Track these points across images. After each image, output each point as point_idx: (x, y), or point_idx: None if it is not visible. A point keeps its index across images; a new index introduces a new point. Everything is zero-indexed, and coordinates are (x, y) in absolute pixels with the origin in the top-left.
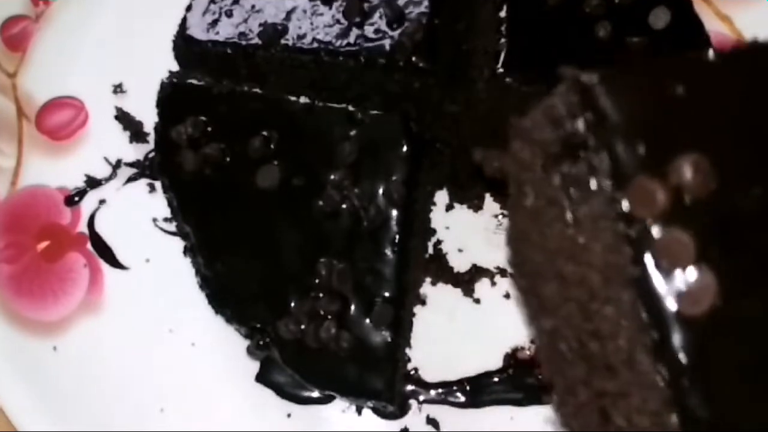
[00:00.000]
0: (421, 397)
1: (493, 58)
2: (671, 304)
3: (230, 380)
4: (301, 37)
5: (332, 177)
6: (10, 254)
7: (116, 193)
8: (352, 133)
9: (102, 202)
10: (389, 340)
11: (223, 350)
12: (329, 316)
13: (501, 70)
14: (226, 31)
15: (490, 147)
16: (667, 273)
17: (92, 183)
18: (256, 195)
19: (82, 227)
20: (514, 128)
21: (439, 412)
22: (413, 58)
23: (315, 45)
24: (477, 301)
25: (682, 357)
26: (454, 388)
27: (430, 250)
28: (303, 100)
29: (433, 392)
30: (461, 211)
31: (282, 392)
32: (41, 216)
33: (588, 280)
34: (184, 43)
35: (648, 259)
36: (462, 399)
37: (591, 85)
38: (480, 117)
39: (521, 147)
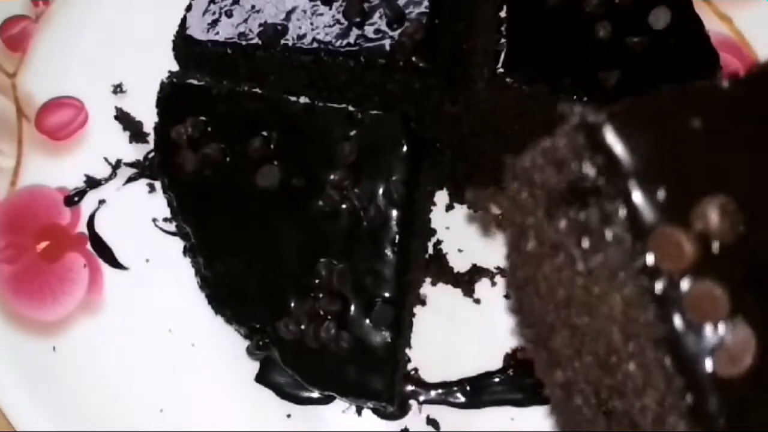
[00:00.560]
0: (421, 398)
1: (493, 58)
2: (706, 365)
3: (230, 380)
4: (301, 37)
5: (332, 177)
6: (9, 254)
7: (116, 193)
8: (352, 133)
9: (102, 202)
10: (389, 340)
11: (223, 350)
12: (329, 317)
13: (501, 70)
14: (225, 31)
15: (482, 184)
16: (698, 330)
17: (92, 183)
18: (256, 195)
19: (82, 227)
20: (510, 168)
21: (439, 412)
22: (413, 58)
23: (315, 45)
24: (477, 301)
25: (722, 423)
26: (454, 388)
27: (430, 250)
28: (303, 100)
29: (433, 392)
30: (461, 211)
31: (282, 392)
32: (41, 216)
33: (606, 333)
34: (184, 43)
35: (677, 316)
36: (462, 399)
37: (598, 125)
38: (480, 117)
39: (519, 189)
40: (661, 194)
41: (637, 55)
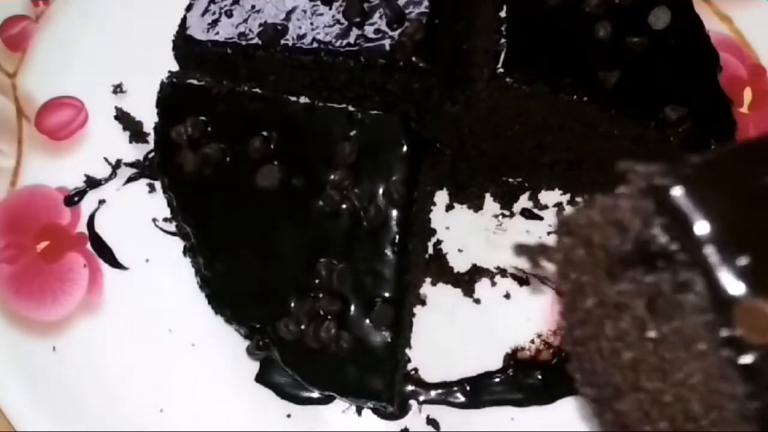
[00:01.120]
0: (421, 398)
1: (493, 58)
2: None
3: (230, 380)
4: (301, 37)
5: (332, 177)
6: (9, 254)
7: (116, 193)
8: (352, 133)
9: (102, 202)
10: (389, 340)
11: (223, 350)
12: (329, 317)
13: (501, 70)
14: (225, 31)
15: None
16: None
17: (92, 183)
18: (256, 195)
19: (82, 227)
20: (563, 224)
21: (439, 412)
22: (413, 58)
23: (315, 45)
24: (477, 301)
25: None
26: (454, 388)
27: (430, 250)
28: (303, 100)
29: (433, 392)
30: (461, 211)
31: (282, 393)
32: (41, 216)
33: (683, 400)
34: (184, 43)
35: None
36: (462, 399)
37: (668, 188)
38: (480, 117)
39: (574, 246)
40: (744, 262)
41: (637, 55)
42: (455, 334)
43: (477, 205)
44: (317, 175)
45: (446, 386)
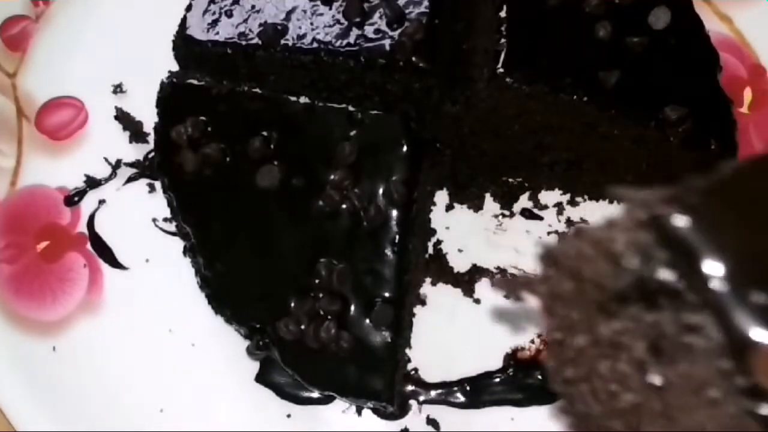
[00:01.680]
0: (421, 398)
1: (493, 58)
2: None
3: (230, 380)
4: (301, 37)
5: (332, 177)
6: (9, 254)
7: (116, 193)
8: (352, 133)
9: (102, 202)
10: (389, 340)
11: (223, 350)
12: (329, 317)
13: (501, 70)
14: (226, 31)
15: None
16: None
17: (92, 183)
18: (256, 195)
19: (82, 227)
20: (547, 255)
21: (439, 412)
22: (413, 58)
23: (315, 45)
24: (477, 301)
25: None
26: (454, 388)
27: (430, 250)
28: (303, 100)
29: (433, 392)
30: (461, 211)
31: (282, 392)
32: (41, 216)
33: None
34: (184, 43)
35: None
36: (462, 399)
37: (670, 218)
38: (480, 117)
39: (560, 279)
40: (762, 301)
41: (637, 55)
42: (455, 334)
43: (477, 205)
44: (317, 175)
45: (446, 386)
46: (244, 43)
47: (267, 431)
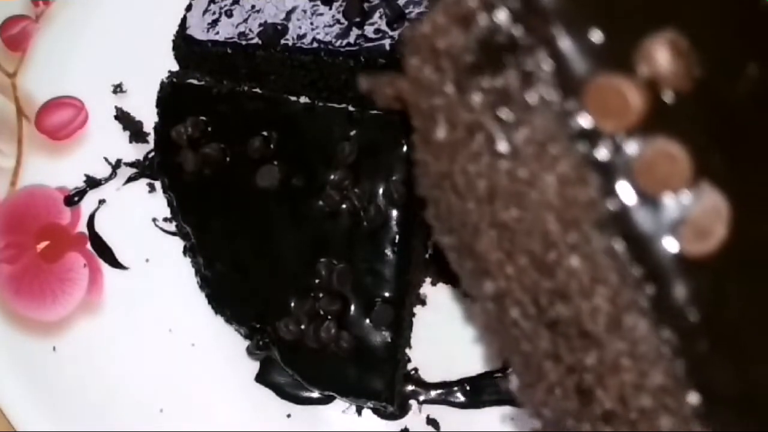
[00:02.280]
0: (421, 398)
1: None
2: (668, 244)
3: (230, 380)
4: (301, 37)
5: (332, 177)
6: (9, 254)
7: (116, 193)
8: (352, 133)
9: (102, 202)
10: (389, 340)
11: (223, 350)
12: (329, 317)
13: None
14: (226, 31)
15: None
16: (655, 202)
17: (92, 183)
18: (256, 195)
19: (82, 227)
20: (407, 41)
21: (439, 412)
22: None
23: (315, 45)
24: None
25: (693, 314)
26: (454, 388)
27: (430, 250)
28: (303, 100)
29: (433, 392)
30: None
31: (282, 392)
32: (41, 216)
33: (540, 225)
34: (184, 43)
35: (626, 186)
36: (462, 399)
37: None
38: None
39: (421, 64)
40: (594, 36)
41: None
42: (455, 334)
43: None
44: (317, 175)
45: (446, 386)
46: (244, 42)
47: (267, 431)
